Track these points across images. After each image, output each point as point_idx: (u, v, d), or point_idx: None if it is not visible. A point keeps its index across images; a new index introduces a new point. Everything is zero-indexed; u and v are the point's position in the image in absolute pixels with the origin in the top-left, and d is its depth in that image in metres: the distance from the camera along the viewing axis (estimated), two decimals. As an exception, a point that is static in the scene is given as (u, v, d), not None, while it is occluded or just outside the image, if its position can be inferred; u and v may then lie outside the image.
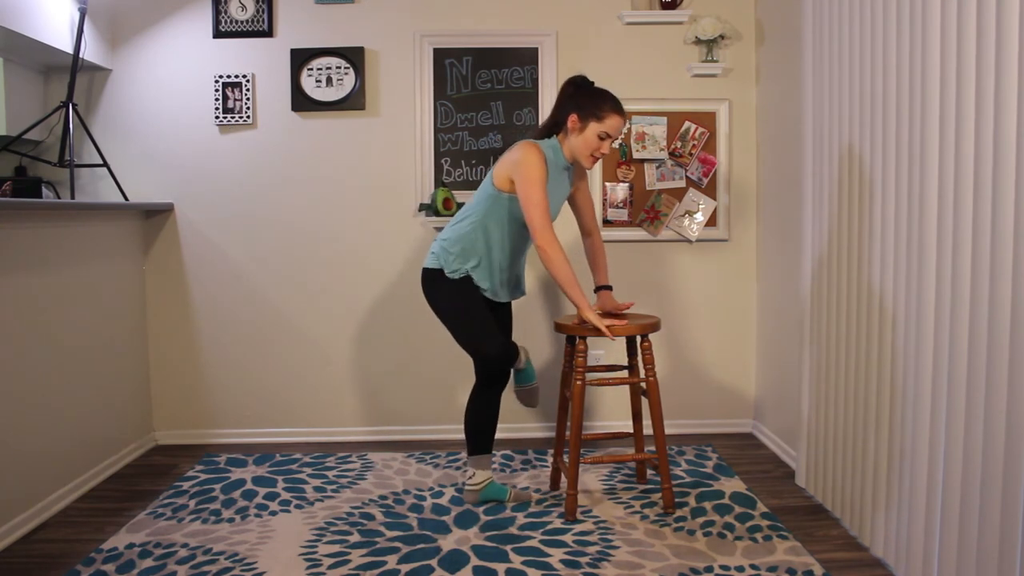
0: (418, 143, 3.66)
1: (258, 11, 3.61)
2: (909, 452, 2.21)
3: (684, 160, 3.69)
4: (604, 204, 3.71)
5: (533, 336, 3.74)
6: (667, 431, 3.68)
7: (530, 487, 3.08)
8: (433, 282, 2.76)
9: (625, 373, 3.37)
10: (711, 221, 3.72)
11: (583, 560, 2.43)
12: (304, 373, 3.74)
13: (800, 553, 2.45)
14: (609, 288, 2.97)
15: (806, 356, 2.95)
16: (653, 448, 3.42)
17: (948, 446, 2.00)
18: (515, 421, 3.73)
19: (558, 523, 2.72)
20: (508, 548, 2.52)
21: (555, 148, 2.73)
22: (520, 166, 2.60)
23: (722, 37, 3.61)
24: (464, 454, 3.49)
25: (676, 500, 2.89)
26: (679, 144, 3.68)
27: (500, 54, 3.64)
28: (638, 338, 2.90)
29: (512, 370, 2.89)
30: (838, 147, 2.64)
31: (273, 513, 2.84)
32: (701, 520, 2.72)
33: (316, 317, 3.72)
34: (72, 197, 3.29)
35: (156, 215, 3.67)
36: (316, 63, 3.61)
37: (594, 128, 2.66)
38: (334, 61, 3.62)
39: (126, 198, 3.53)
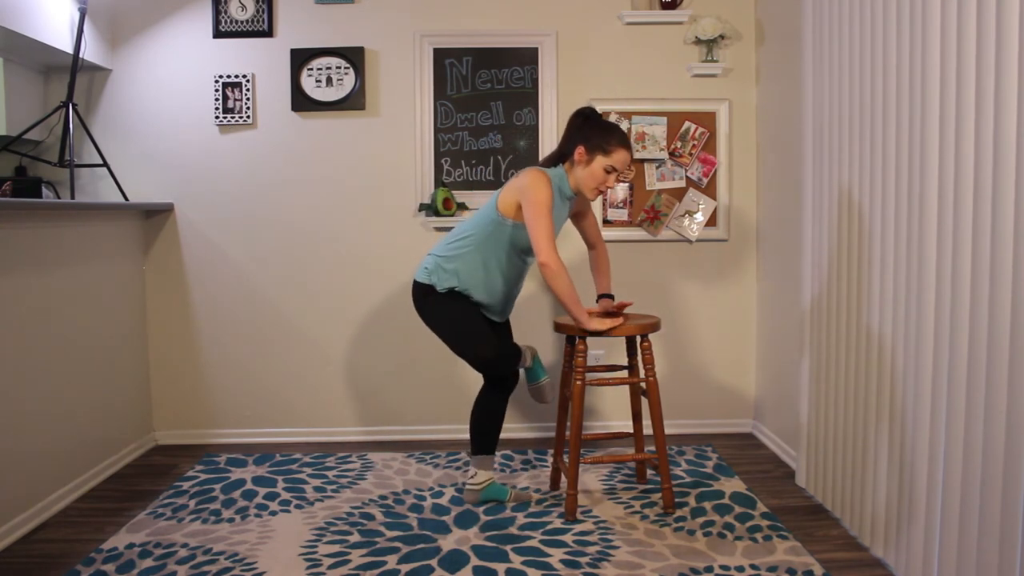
0: (418, 143, 3.66)
1: (258, 11, 3.61)
2: (909, 452, 2.21)
3: (684, 160, 3.69)
4: (604, 204, 3.71)
5: (533, 336, 3.74)
6: (667, 431, 3.68)
7: (530, 487, 3.08)
8: (424, 296, 2.77)
9: (625, 373, 3.37)
10: (711, 221, 3.72)
11: (583, 560, 2.43)
12: (304, 373, 3.74)
13: (800, 553, 2.45)
14: (611, 297, 2.98)
15: (806, 356, 2.95)
16: (653, 448, 3.42)
17: (948, 446, 2.00)
18: (515, 421, 3.73)
19: (558, 523, 2.72)
20: (508, 548, 2.52)
21: (561, 177, 2.76)
22: (527, 190, 2.62)
23: (722, 37, 3.61)
24: (464, 454, 3.49)
25: (676, 500, 2.89)
26: (679, 144, 3.68)
27: (500, 54, 3.64)
28: (638, 338, 2.90)
29: (522, 369, 2.90)
30: (838, 147, 2.64)
31: (273, 513, 2.84)
32: (701, 520, 2.72)
33: (316, 317, 3.72)
34: (72, 197, 3.29)
35: (156, 215, 3.67)
36: (316, 63, 3.61)
37: (601, 162, 2.68)
38: (334, 61, 3.62)
39: (126, 198, 3.53)
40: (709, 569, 2.35)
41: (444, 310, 2.74)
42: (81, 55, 3.27)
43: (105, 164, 3.46)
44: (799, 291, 3.11)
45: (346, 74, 3.63)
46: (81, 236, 3.14)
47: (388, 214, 3.69)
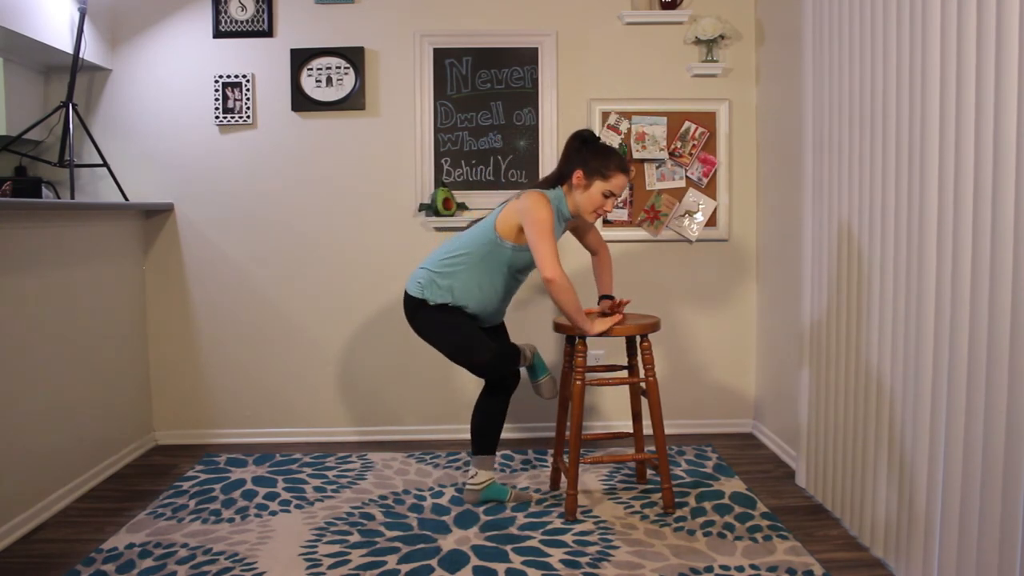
0: (418, 143, 3.66)
1: (258, 11, 3.61)
2: (909, 452, 2.21)
3: (684, 160, 3.69)
4: (604, 204, 3.71)
5: (533, 336, 3.74)
6: (667, 431, 3.68)
7: (530, 487, 3.08)
8: (415, 309, 2.78)
9: (625, 373, 3.37)
10: (711, 221, 3.72)
11: (583, 560, 2.43)
12: (304, 373, 3.74)
13: (800, 553, 2.45)
14: (612, 298, 2.98)
15: (806, 356, 2.95)
16: (653, 448, 3.42)
17: (948, 446, 2.00)
18: (515, 421, 3.73)
19: (558, 523, 2.72)
20: (508, 548, 2.52)
21: (560, 199, 2.77)
22: (529, 211, 2.63)
23: (722, 37, 3.61)
24: (464, 454, 3.49)
25: (676, 500, 2.89)
26: (679, 144, 3.68)
27: (500, 54, 3.64)
28: (638, 338, 2.90)
29: (524, 368, 2.91)
30: (838, 147, 2.64)
31: (273, 513, 2.84)
32: (701, 520, 2.72)
33: (316, 317, 3.72)
34: (72, 197, 3.29)
35: (156, 215, 3.67)
36: (316, 63, 3.61)
37: (599, 186, 2.70)
38: (334, 61, 3.62)
39: (126, 198, 3.53)
40: (709, 569, 2.35)
41: (437, 322, 2.75)
42: (81, 55, 3.27)
43: (105, 164, 3.46)
44: (799, 291, 3.11)
45: (346, 74, 3.63)
46: (81, 236, 3.14)
47: (388, 214, 3.69)
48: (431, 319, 2.75)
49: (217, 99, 3.61)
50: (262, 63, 3.63)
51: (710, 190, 3.71)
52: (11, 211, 2.68)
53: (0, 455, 2.59)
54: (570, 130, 3.65)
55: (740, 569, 2.35)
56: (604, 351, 3.70)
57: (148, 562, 2.44)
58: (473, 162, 3.67)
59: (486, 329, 2.88)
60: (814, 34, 2.84)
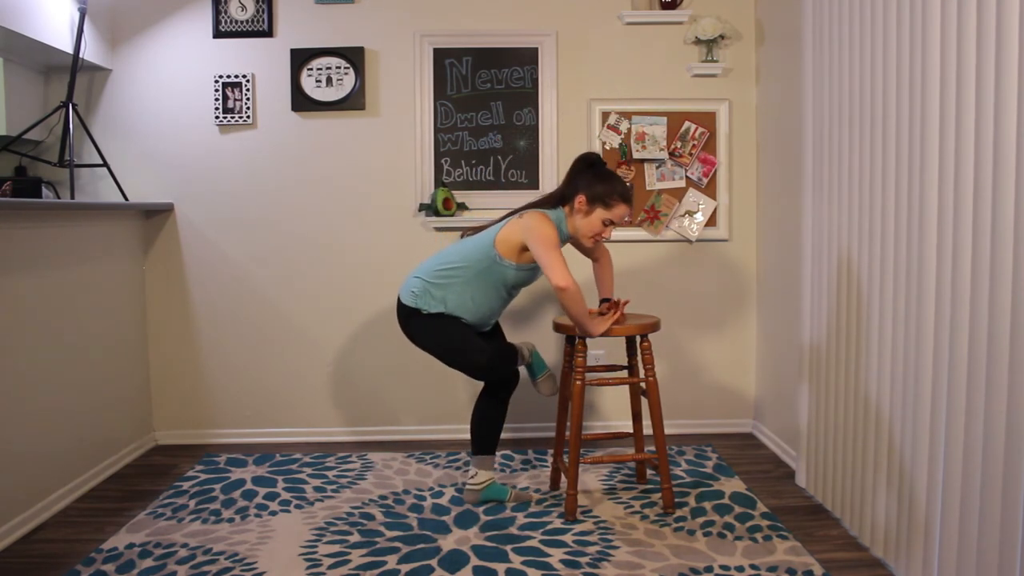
0: (418, 143, 3.66)
1: (258, 11, 3.61)
2: (909, 452, 2.21)
3: (684, 160, 3.69)
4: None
5: (533, 336, 3.74)
6: (667, 431, 3.68)
7: (530, 487, 3.08)
8: (409, 317, 2.79)
9: (625, 373, 3.37)
10: (711, 221, 3.72)
11: (583, 560, 2.43)
12: (304, 373, 3.74)
13: (800, 553, 2.45)
14: (612, 300, 2.98)
15: (806, 356, 2.95)
16: (653, 448, 3.42)
17: (948, 446, 2.00)
18: (515, 421, 3.72)
19: (558, 523, 2.72)
20: (508, 548, 2.52)
21: (561, 220, 2.78)
22: (533, 229, 2.64)
23: (722, 37, 3.61)
24: (464, 454, 3.49)
25: (676, 500, 2.89)
26: (679, 144, 3.68)
27: (500, 54, 3.64)
28: (638, 338, 2.90)
29: (523, 367, 2.91)
30: (838, 147, 2.64)
31: (273, 513, 2.84)
32: (701, 520, 2.72)
33: (316, 317, 3.72)
34: (72, 197, 3.29)
35: (156, 215, 3.67)
36: (316, 63, 3.61)
37: (600, 214, 2.71)
38: (334, 61, 3.62)
39: (126, 198, 3.53)
40: (709, 569, 2.35)
41: (431, 329, 2.76)
42: (81, 55, 3.27)
43: (105, 164, 3.46)
44: (799, 292, 3.11)
45: (346, 74, 3.63)
46: (81, 236, 3.14)
47: (388, 214, 3.69)
48: (425, 327, 2.76)
49: (217, 99, 3.61)
50: (262, 63, 3.63)
51: (710, 190, 3.71)
52: (11, 211, 2.68)
53: (0, 455, 2.59)
54: (570, 130, 3.68)
55: (740, 569, 2.35)
56: (604, 351, 3.70)
57: (148, 562, 2.44)
58: (473, 162, 3.67)
59: (482, 332, 2.88)
60: (814, 34, 2.84)
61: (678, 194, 3.71)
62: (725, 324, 3.78)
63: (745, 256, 3.76)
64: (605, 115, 3.67)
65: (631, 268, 3.71)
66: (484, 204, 3.66)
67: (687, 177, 3.70)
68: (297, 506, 2.91)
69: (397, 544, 2.57)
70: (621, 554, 2.47)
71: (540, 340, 3.75)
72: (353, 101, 3.63)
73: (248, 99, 3.62)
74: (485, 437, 2.87)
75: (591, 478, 3.16)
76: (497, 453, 3.37)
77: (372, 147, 3.67)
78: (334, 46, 3.62)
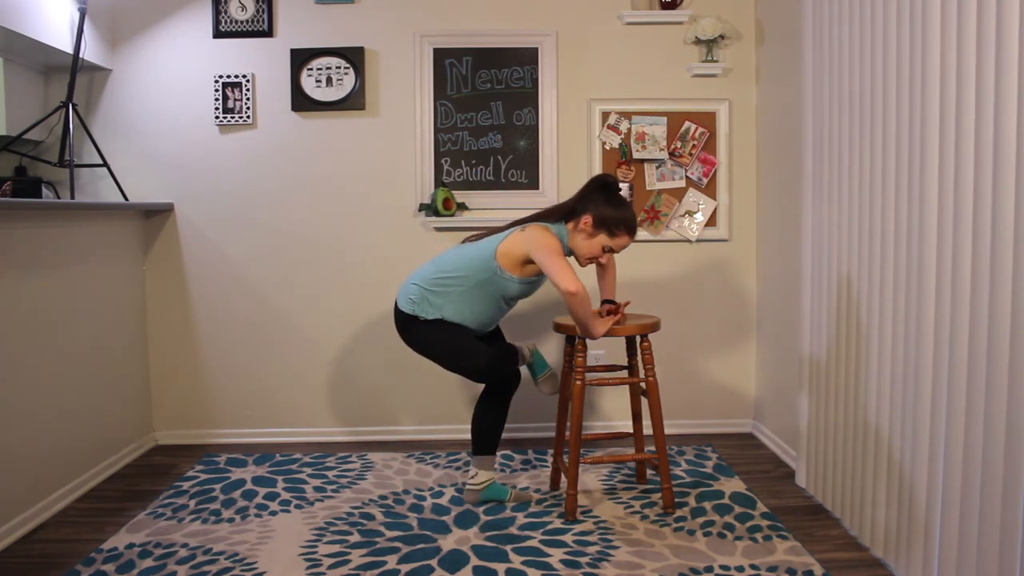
0: (418, 143, 3.66)
1: (258, 11, 3.61)
2: (909, 452, 2.21)
3: (684, 160, 3.69)
4: (604, 204, 3.70)
5: (533, 336, 3.73)
6: (667, 431, 3.68)
7: (530, 487, 3.08)
8: (407, 324, 2.79)
9: (625, 373, 3.37)
10: (711, 221, 3.72)
11: (583, 560, 2.43)
12: (304, 373, 3.74)
13: (800, 553, 2.45)
14: (613, 302, 2.98)
15: (806, 356, 2.95)
16: (653, 448, 3.42)
17: (948, 446, 2.00)
18: (515, 421, 3.72)
19: (558, 523, 2.72)
20: (508, 548, 2.52)
21: (563, 236, 2.78)
22: (538, 240, 2.64)
23: (722, 37, 3.61)
24: (464, 454, 3.49)
25: (676, 500, 2.89)
26: (679, 144, 3.68)
27: (500, 54, 3.64)
28: (638, 338, 2.90)
29: (525, 367, 2.91)
30: (838, 147, 2.64)
31: (273, 513, 2.84)
32: (701, 520, 2.72)
33: (316, 317, 3.72)
34: (72, 197, 3.29)
35: (156, 215, 3.67)
36: (316, 63, 3.61)
37: (603, 240, 2.72)
38: (334, 61, 3.62)
39: (126, 198, 3.53)
40: (709, 569, 2.35)
41: (430, 335, 2.76)
42: (81, 55, 3.27)
43: (105, 164, 3.46)
44: (799, 292, 3.11)
45: (346, 74, 3.63)
46: (81, 236, 3.14)
47: (388, 214, 3.69)
48: (424, 333, 2.76)
49: (217, 99, 3.61)
50: (262, 63, 3.63)
51: (710, 190, 3.71)
52: (11, 211, 2.68)
53: (0, 455, 2.59)
54: (570, 130, 3.68)
55: (740, 569, 2.35)
56: (604, 351, 3.70)
57: (148, 562, 2.44)
58: (473, 162, 3.67)
59: (481, 335, 2.88)
60: (814, 34, 2.84)
61: (678, 194, 3.71)
62: (725, 324, 3.78)
63: (745, 256, 3.76)
64: (605, 115, 3.67)
65: (631, 268, 3.71)
66: (484, 204, 3.66)
67: (687, 177, 3.70)
68: (297, 506, 2.91)
69: (397, 544, 2.57)
70: (621, 554, 2.47)
71: (540, 340, 3.75)
72: (353, 101, 3.63)
73: (248, 99, 3.62)
74: (485, 437, 2.87)
75: (591, 478, 3.16)
76: (497, 453, 3.38)
77: (372, 147, 3.67)
78: (334, 46, 3.62)
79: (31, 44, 3.08)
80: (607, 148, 3.68)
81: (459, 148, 3.67)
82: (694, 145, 3.69)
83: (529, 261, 2.69)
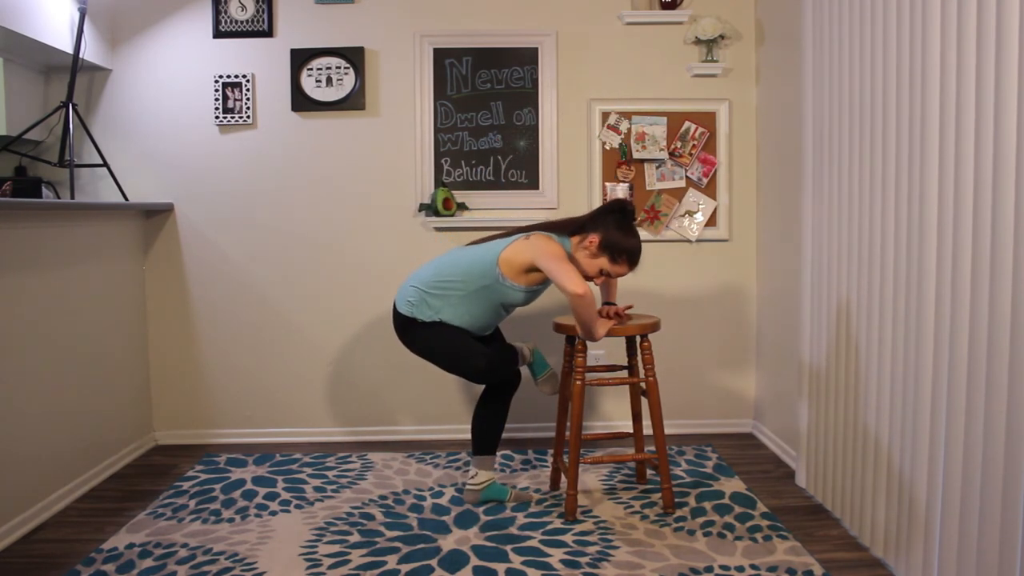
0: (418, 143, 3.66)
1: (258, 11, 3.61)
2: (909, 452, 2.21)
3: (684, 160, 3.69)
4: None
5: (533, 336, 3.73)
6: (667, 431, 3.68)
7: (530, 487, 3.08)
8: (405, 326, 2.79)
9: (625, 373, 3.37)
10: (711, 221, 3.72)
11: (583, 560, 2.43)
12: (304, 373, 3.74)
13: (800, 553, 2.45)
14: (614, 304, 2.97)
15: (806, 356, 2.95)
16: (653, 448, 3.42)
17: (948, 446, 2.00)
18: (515, 421, 3.72)
19: (558, 523, 2.72)
20: (508, 548, 2.52)
21: (566, 248, 2.77)
22: (541, 247, 2.65)
23: (722, 37, 3.61)
24: (464, 454, 3.49)
25: (676, 500, 2.89)
26: (679, 144, 3.68)
27: (500, 54, 3.64)
28: (638, 338, 2.90)
29: (525, 367, 2.91)
30: (838, 146, 2.64)
31: (273, 513, 2.84)
32: (701, 520, 2.72)
33: (316, 317, 3.72)
34: (72, 197, 3.29)
35: (156, 215, 3.67)
36: (316, 63, 3.61)
37: (603, 263, 2.72)
38: (334, 61, 3.62)
39: (126, 198, 3.53)
40: (709, 569, 2.35)
41: (429, 337, 2.76)
42: (81, 55, 3.27)
43: (105, 164, 3.46)
44: (799, 291, 3.11)
45: (346, 74, 3.63)
46: (81, 236, 3.14)
47: (388, 214, 3.69)
48: (423, 335, 2.76)
49: (217, 99, 3.61)
50: (262, 63, 3.63)
51: (710, 190, 3.71)
52: (11, 211, 2.68)
53: (0, 455, 2.59)
54: (570, 130, 3.68)
55: (740, 569, 2.35)
56: (604, 351, 3.70)
57: (148, 562, 2.44)
58: (473, 162, 3.67)
59: (480, 336, 2.88)
60: (814, 34, 2.84)
61: (678, 194, 3.71)
62: (725, 324, 3.78)
63: (745, 256, 3.76)
64: (605, 115, 3.67)
65: (631, 268, 3.71)
66: (484, 204, 3.66)
67: (687, 177, 3.70)
68: (297, 506, 2.91)
69: (397, 544, 2.57)
70: (621, 554, 2.47)
71: (540, 340, 3.75)
72: (353, 101, 3.63)
73: (248, 99, 3.62)
74: (486, 437, 2.87)
75: (591, 478, 3.16)
76: (497, 453, 3.37)
77: (372, 147, 3.67)
78: (334, 46, 3.62)
79: (31, 44, 3.08)
80: (607, 148, 3.68)
81: (459, 148, 3.67)
82: (694, 145, 3.69)
83: (532, 269, 2.69)
